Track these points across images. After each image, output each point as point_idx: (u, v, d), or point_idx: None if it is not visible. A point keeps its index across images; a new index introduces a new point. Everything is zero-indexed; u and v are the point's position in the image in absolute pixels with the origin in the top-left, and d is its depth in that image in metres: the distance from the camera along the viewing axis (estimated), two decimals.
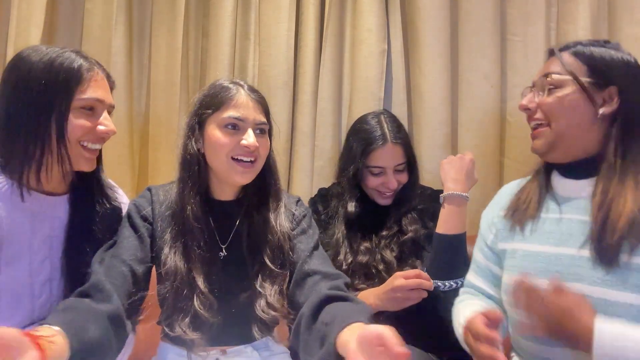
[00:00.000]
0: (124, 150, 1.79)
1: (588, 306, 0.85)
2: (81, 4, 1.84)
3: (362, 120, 1.49)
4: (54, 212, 1.00)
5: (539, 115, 1.02)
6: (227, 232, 1.11)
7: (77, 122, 0.95)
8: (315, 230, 1.18)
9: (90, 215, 1.04)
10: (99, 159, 1.07)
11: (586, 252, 0.93)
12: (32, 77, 0.93)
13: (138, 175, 1.87)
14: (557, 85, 0.99)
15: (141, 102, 1.90)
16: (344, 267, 1.32)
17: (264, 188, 1.14)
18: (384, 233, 1.40)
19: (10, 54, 1.70)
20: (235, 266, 1.09)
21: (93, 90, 0.97)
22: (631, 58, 0.99)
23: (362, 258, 1.34)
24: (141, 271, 1.01)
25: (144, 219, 1.07)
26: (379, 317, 1.25)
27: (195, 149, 1.07)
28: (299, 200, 1.22)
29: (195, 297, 1.01)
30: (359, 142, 1.41)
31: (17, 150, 0.93)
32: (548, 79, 1.00)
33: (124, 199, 1.16)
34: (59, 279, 0.99)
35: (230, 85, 1.09)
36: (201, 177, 1.08)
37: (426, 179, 1.64)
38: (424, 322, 1.24)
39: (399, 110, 1.80)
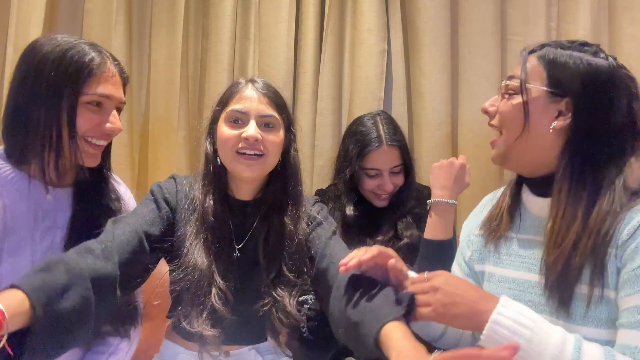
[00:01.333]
0: (123, 149, 1.78)
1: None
2: (81, 4, 1.84)
3: (358, 121, 1.49)
4: (59, 203, 1.00)
5: (495, 121, 0.96)
6: (243, 233, 1.08)
7: (84, 117, 0.95)
8: (332, 222, 1.15)
9: (94, 209, 1.04)
10: (106, 155, 1.06)
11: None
12: (42, 67, 0.92)
13: (138, 174, 1.87)
14: (516, 92, 0.91)
15: (141, 101, 1.89)
16: None
17: (283, 190, 1.11)
18: (380, 238, 1.39)
19: (10, 54, 1.70)
20: (247, 269, 1.06)
21: (102, 86, 0.96)
22: (605, 65, 0.87)
23: None
24: (148, 246, 0.97)
25: (167, 201, 1.05)
26: None
27: (210, 148, 1.09)
28: (316, 201, 1.20)
29: (212, 292, 0.99)
30: (355, 144, 1.42)
31: (23, 141, 0.93)
32: (509, 82, 0.92)
33: (126, 196, 1.15)
34: None
35: (241, 81, 1.11)
36: (218, 175, 1.08)
37: (426, 179, 1.63)
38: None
39: (399, 110, 1.80)
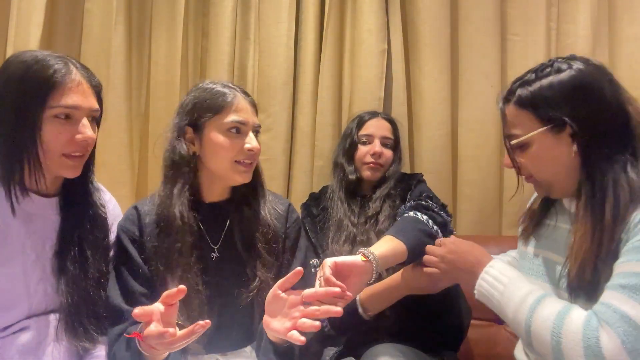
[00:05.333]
0: (123, 149, 1.78)
1: (479, 250, 1.03)
2: (81, 4, 1.84)
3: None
4: (47, 213, 1.00)
5: (524, 171, 1.00)
6: (217, 233, 1.11)
7: (53, 131, 0.92)
8: (303, 246, 1.19)
9: (81, 217, 1.03)
10: (88, 164, 1.04)
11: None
12: (8, 87, 0.91)
13: (138, 174, 1.87)
14: (523, 145, 0.95)
15: (141, 102, 1.89)
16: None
17: (253, 184, 1.15)
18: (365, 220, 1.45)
19: (10, 54, 1.70)
20: (229, 266, 1.09)
21: (67, 97, 0.92)
22: (569, 75, 0.90)
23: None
24: (151, 290, 1.04)
25: (133, 241, 1.07)
26: (381, 317, 1.25)
27: (188, 151, 1.07)
28: (290, 205, 1.22)
29: (193, 302, 1.01)
30: (353, 122, 1.60)
31: (2, 161, 0.93)
32: (513, 142, 0.96)
33: (110, 204, 1.14)
34: (51, 279, 0.99)
35: (226, 90, 1.09)
36: (192, 179, 1.08)
37: (426, 179, 1.64)
38: (421, 322, 1.25)
39: (399, 110, 1.80)
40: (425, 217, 1.21)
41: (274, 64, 1.82)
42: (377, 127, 1.55)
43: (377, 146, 1.51)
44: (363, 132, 1.55)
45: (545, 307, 0.86)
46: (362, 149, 1.53)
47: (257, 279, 1.07)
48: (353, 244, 1.39)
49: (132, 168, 1.83)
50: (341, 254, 1.32)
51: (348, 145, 1.56)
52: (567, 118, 0.89)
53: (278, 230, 1.14)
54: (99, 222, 1.07)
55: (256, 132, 1.12)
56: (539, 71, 0.94)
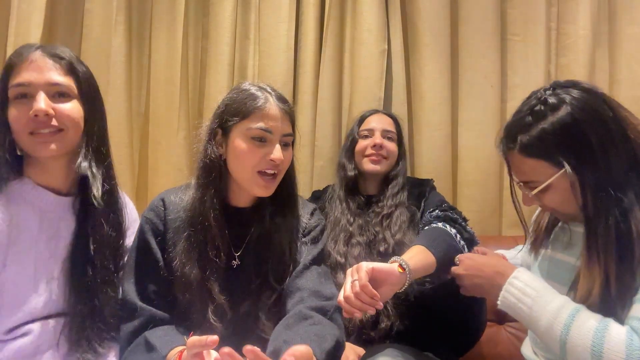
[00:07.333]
0: (123, 150, 1.78)
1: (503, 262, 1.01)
2: (81, 4, 1.84)
3: None
4: (62, 212, 1.00)
5: (546, 208, 1.00)
6: (240, 240, 1.07)
7: (14, 113, 0.94)
8: (323, 242, 1.15)
9: (97, 220, 1.02)
10: (100, 158, 1.05)
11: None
12: None
13: (138, 175, 1.87)
14: (543, 189, 0.94)
15: (141, 102, 1.89)
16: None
17: (281, 196, 1.11)
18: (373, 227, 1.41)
19: (10, 54, 1.70)
20: (246, 275, 1.06)
21: (19, 76, 0.94)
22: (565, 114, 0.88)
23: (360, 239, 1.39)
24: (167, 284, 1.02)
25: (156, 235, 1.05)
26: (379, 317, 1.25)
27: (217, 154, 1.05)
28: (314, 210, 1.19)
29: (209, 308, 0.99)
30: (355, 121, 1.61)
31: None
32: (534, 192, 0.95)
33: (127, 208, 1.12)
34: (60, 279, 0.99)
35: (259, 93, 1.05)
36: (221, 184, 1.06)
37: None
38: (421, 321, 1.24)
39: (399, 110, 1.80)
40: (453, 231, 1.21)
41: (274, 64, 1.82)
42: (378, 121, 1.54)
43: (377, 138, 1.49)
44: (364, 127, 1.54)
45: (582, 324, 0.84)
46: (362, 142, 1.51)
47: (272, 291, 1.04)
48: (348, 244, 1.37)
49: (132, 168, 1.83)
50: (337, 253, 1.33)
51: (349, 143, 1.55)
52: (575, 160, 0.88)
53: (296, 247, 1.09)
54: (116, 226, 1.05)
55: (285, 142, 1.06)
56: (533, 111, 0.92)
